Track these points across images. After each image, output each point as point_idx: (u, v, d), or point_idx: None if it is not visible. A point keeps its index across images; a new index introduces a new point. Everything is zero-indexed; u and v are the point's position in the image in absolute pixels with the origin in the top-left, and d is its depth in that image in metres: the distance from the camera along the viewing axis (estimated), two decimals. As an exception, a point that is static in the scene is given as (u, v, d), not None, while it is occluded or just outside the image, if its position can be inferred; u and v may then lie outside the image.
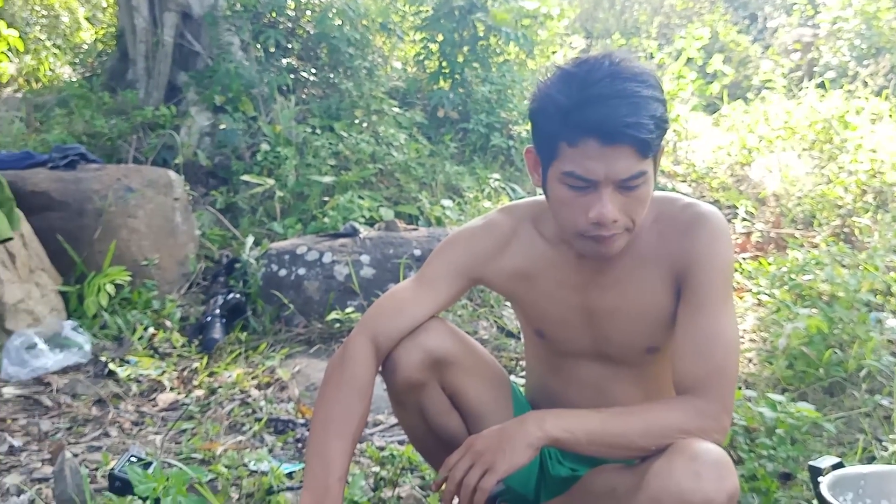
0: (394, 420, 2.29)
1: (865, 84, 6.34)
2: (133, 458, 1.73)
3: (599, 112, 1.13)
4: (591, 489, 1.35)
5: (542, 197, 1.34)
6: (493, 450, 1.20)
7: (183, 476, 1.52)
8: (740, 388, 2.18)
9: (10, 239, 2.80)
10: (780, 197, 4.65)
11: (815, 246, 3.84)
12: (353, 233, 3.41)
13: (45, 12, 7.61)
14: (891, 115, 5.32)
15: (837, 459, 1.33)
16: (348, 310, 3.01)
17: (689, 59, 6.33)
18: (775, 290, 3.05)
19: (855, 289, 2.69)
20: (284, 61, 5.36)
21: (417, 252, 3.28)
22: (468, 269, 1.41)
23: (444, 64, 5.73)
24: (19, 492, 1.85)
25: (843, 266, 3.14)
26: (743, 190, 4.99)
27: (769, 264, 3.36)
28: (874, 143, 4.66)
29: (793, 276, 3.07)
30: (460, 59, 5.65)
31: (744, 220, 4.36)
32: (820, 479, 1.28)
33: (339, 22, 5.34)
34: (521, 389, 1.60)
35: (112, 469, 1.73)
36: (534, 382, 1.57)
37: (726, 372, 1.22)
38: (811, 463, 1.32)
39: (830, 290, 2.82)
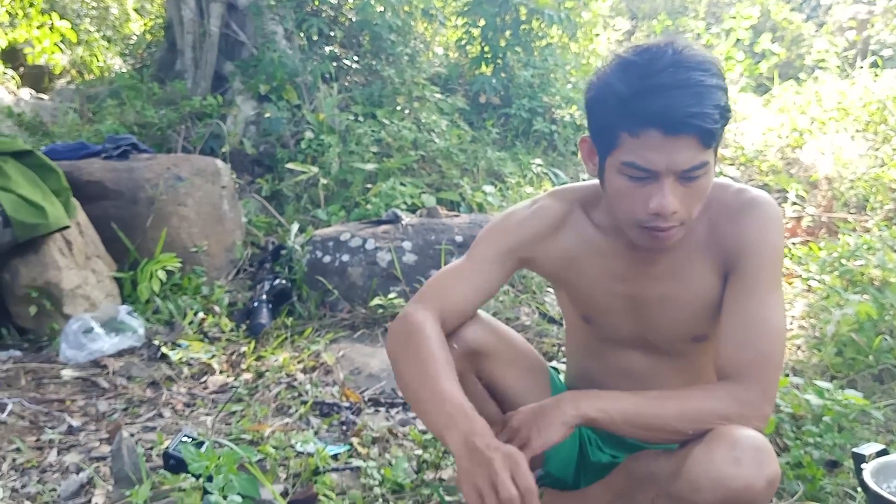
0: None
1: (923, 62, 6.12)
2: (186, 438, 1.79)
3: (662, 102, 1.10)
4: (630, 474, 1.35)
5: (591, 183, 1.32)
6: (529, 426, 1.21)
7: (234, 455, 1.57)
8: (787, 376, 2.15)
9: (68, 227, 2.90)
10: (832, 180, 4.53)
11: (868, 230, 3.74)
12: (396, 219, 3.44)
13: (94, 4, 7.79)
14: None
15: (882, 446, 1.31)
16: (391, 295, 3.05)
17: (737, 40, 6.18)
18: (825, 276, 2.99)
19: (907, 274, 2.62)
20: (327, 49, 5.41)
21: (459, 238, 3.29)
22: (518, 250, 1.39)
23: (485, 49, 5.70)
24: (78, 469, 1.94)
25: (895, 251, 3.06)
26: (793, 173, 4.87)
27: (819, 249, 3.29)
28: (931, 123, 4.51)
29: (843, 261, 3.00)
30: (502, 43, 5.62)
31: (794, 204, 4.26)
32: (863, 465, 1.27)
33: (381, 9, 5.35)
34: (561, 376, 1.61)
35: (167, 448, 1.79)
36: (575, 369, 1.57)
37: (770, 360, 1.20)
38: (855, 450, 1.30)
39: (882, 276, 2.75)
